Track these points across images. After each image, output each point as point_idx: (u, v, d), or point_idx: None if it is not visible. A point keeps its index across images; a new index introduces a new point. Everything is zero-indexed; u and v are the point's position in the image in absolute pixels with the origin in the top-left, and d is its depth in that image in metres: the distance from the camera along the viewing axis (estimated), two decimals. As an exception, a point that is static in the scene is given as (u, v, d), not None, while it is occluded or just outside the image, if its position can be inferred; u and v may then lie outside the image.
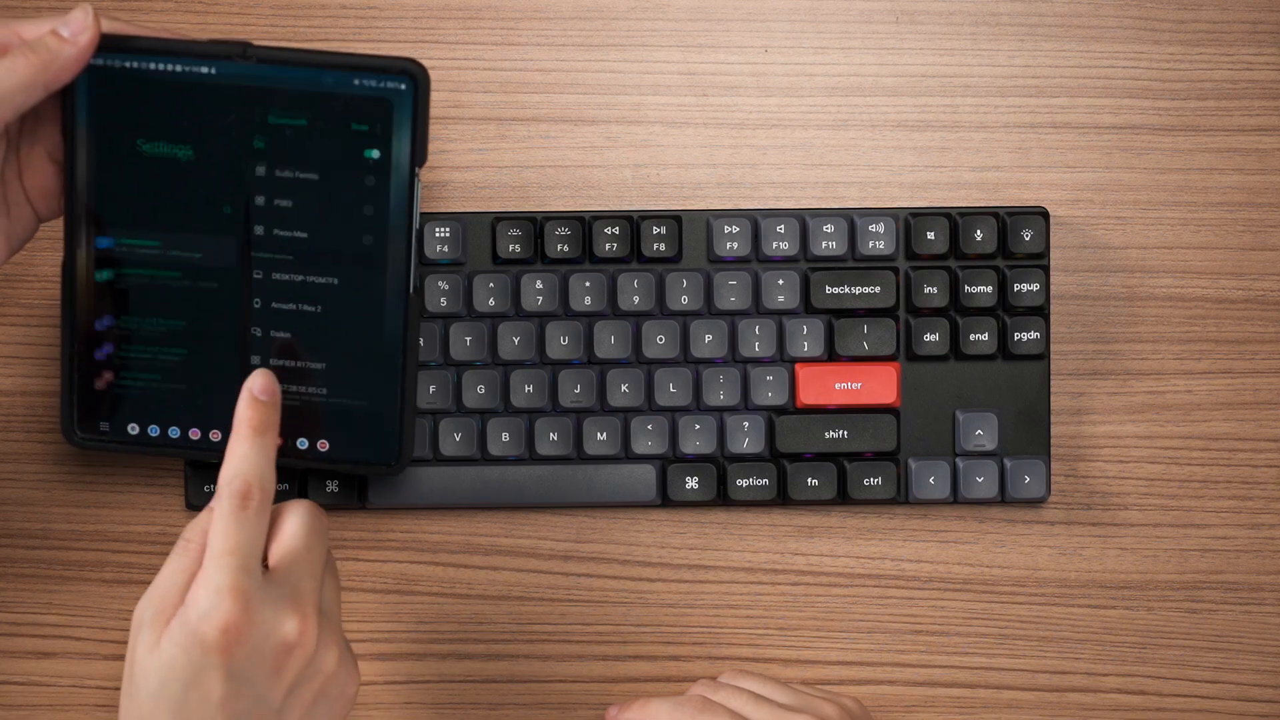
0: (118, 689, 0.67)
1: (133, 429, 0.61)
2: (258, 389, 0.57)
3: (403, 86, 0.57)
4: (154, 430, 0.61)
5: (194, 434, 0.61)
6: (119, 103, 0.57)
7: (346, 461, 0.61)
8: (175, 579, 0.57)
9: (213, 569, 0.55)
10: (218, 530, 0.56)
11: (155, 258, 0.59)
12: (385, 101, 0.57)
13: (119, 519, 0.68)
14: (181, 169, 0.58)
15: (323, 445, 0.61)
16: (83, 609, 0.67)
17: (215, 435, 0.60)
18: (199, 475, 0.66)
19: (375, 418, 0.60)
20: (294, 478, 0.66)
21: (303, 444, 0.61)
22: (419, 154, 0.58)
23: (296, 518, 0.58)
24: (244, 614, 0.54)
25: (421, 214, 0.66)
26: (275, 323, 0.59)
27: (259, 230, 0.58)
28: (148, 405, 0.60)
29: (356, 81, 0.57)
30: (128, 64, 0.57)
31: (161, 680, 0.55)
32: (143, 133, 0.58)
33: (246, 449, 0.57)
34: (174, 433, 0.61)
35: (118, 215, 0.58)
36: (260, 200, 0.58)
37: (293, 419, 0.60)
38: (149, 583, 0.67)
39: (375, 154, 0.58)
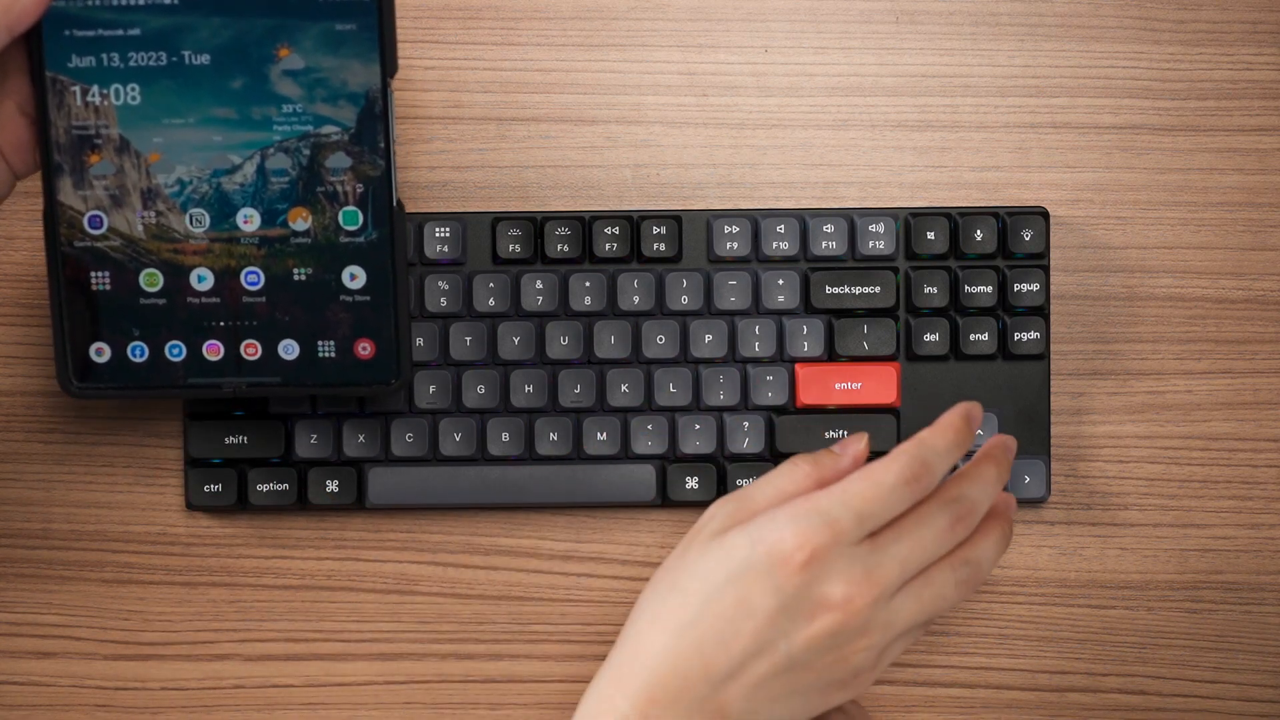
0: (118, 689, 0.67)
1: (127, 367, 0.60)
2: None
3: None
4: (150, 363, 0.60)
5: (189, 356, 0.60)
6: (85, 42, 0.57)
7: (347, 384, 0.61)
8: (766, 492, 0.58)
9: (832, 499, 0.56)
10: (869, 478, 0.56)
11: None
12: (351, 14, 0.57)
13: (119, 519, 0.68)
14: (154, 101, 0.58)
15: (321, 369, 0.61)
16: (83, 609, 0.67)
17: (212, 351, 0.60)
18: (198, 475, 0.66)
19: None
20: (293, 478, 0.66)
21: (300, 369, 0.61)
22: (389, 63, 0.58)
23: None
24: (827, 548, 0.55)
25: (422, 214, 0.66)
26: (261, 245, 0.59)
27: (235, 158, 0.59)
28: (141, 339, 0.60)
29: None
30: (90, 2, 0.57)
31: (714, 562, 0.56)
32: (111, 70, 0.58)
33: (948, 443, 0.58)
34: (174, 351, 0.60)
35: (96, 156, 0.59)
36: (235, 125, 0.58)
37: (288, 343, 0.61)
38: (149, 583, 0.67)
39: (346, 68, 0.58)
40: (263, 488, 0.66)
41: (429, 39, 0.68)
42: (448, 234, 0.66)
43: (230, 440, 0.66)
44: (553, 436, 0.66)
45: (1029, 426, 0.66)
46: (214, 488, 0.66)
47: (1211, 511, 0.68)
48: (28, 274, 0.67)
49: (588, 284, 0.66)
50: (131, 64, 0.58)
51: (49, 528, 0.67)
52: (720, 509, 0.58)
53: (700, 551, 0.57)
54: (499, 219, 0.66)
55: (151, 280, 0.60)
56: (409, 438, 0.66)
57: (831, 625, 0.55)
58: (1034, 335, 0.66)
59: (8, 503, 0.67)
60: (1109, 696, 0.68)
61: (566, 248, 0.66)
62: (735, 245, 0.66)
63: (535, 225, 0.66)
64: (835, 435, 0.66)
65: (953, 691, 0.68)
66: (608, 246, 0.66)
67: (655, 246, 0.66)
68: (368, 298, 0.60)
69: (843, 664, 0.57)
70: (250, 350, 0.60)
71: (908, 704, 0.68)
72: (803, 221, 0.66)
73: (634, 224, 0.66)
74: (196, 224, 0.59)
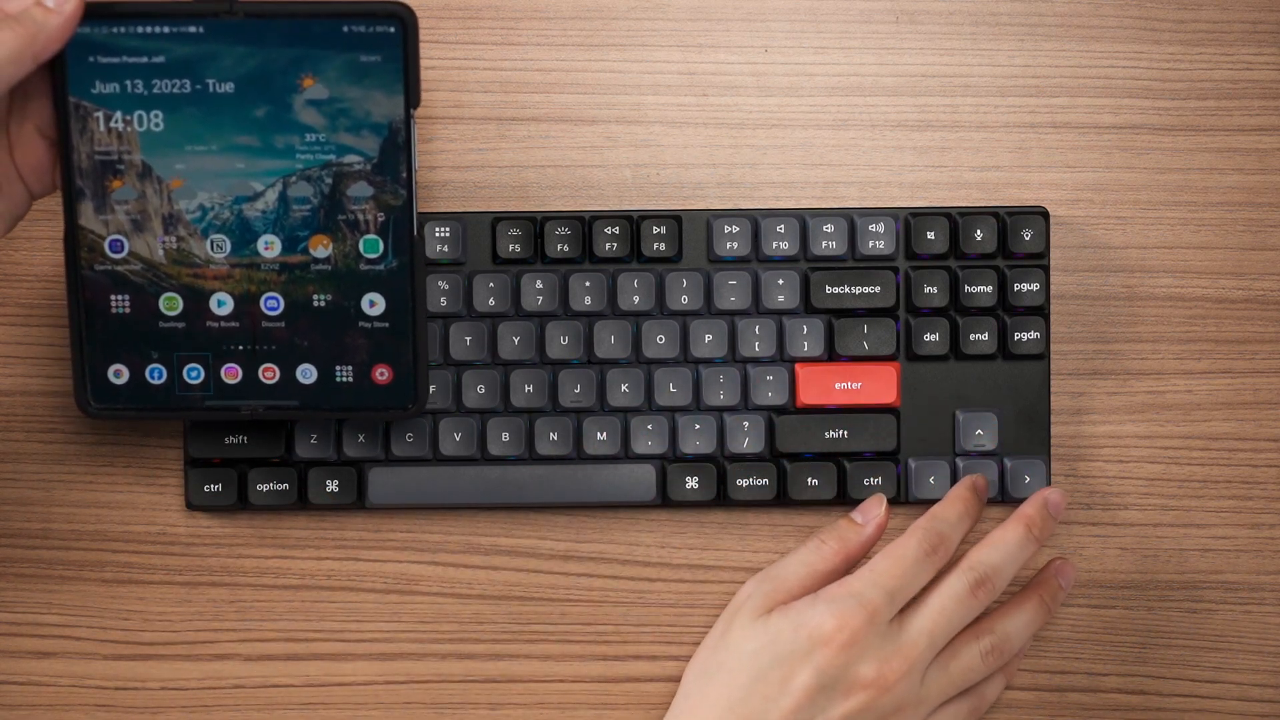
0: (118, 689, 0.67)
1: (145, 389, 0.60)
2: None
3: (392, 29, 0.58)
4: (167, 385, 0.60)
5: (207, 379, 0.60)
6: (109, 69, 0.58)
7: (365, 409, 0.61)
8: (798, 570, 0.63)
9: (865, 581, 0.61)
10: (893, 556, 0.61)
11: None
12: (376, 45, 0.58)
13: (119, 519, 0.68)
14: (177, 128, 0.58)
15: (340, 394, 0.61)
16: (83, 609, 0.67)
17: (230, 374, 0.60)
18: (198, 475, 0.66)
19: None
20: (293, 478, 0.66)
21: (318, 393, 0.61)
22: (413, 96, 0.58)
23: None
24: (863, 628, 0.60)
25: (422, 214, 0.66)
26: (281, 271, 0.60)
27: (258, 185, 0.59)
28: (159, 361, 0.60)
29: (345, 28, 0.57)
30: (115, 29, 0.57)
31: (758, 646, 0.61)
32: (135, 96, 0.58)
33: (958, 513, 0.63)
34: (192, 374, 0.60)
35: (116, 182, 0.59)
36: (258, 153, 0.58)
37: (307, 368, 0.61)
38: (149, 583, 0.67)
39: (370, 99, 0.58)
40: (263, 488, 0.66)
41: (429, 39, 0.68)
42: (448, 234, 0.66)
43: (230, 440, 0.66)
44: (553, 436, 0.66)
45: (1029, 426, 0.66)
46: (214, 488, 0.66)
47: (1211, 511, 0.68)
48: (28, 274, 0.67)
49: (588, 284, 0.66)
50: (155, 91, 0.58)
51: (49, 528, 0.67)
52: (756, 587, 0.63)
53: (744, 633, 0.62)
54: (499, 219, 0.66)
55: (171, 304, 0.60)
56: (409, 438, 0.66)
57: (865, 702, 0.60)
58: (1034, 335, 0.66)
59: (8, 503, 0.67)
60: (1109, 696, 0.68)
61: (566, 248, 0.66)
62: (735, 245, 0.66)
63: (535, 225, 0.66)
64: (835, 435, 0.66)
65: (953, 691, 0.68)
66: (608, 246, 0.66)
67: (655, 246, 0.66)
68: (386, 324, 0.60)
69: None
70: (268, 374, 0.61)
71: (908, 704, 0.68)
72: (803, 221, 0.66)
73: (634, 224, 0.66)
74: (217, 249, 0.59)
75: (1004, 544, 0.63)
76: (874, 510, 0.65)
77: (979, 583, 0.62)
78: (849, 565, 0.64)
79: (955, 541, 0.63)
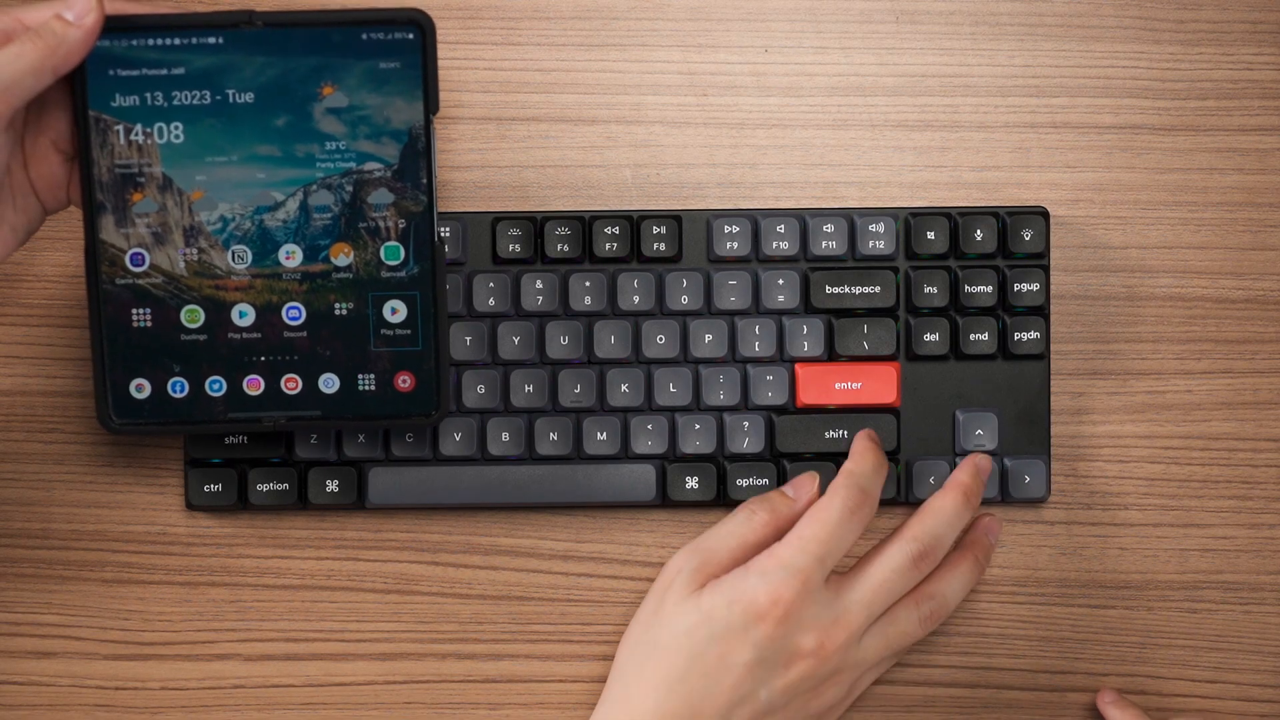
0: (118, 689, 0.67)
1: (168, 402, 0.60)
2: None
3: (410, 36, 0.58)
4: (191, 398, 0.60)
5: (230, 391, 0.60)
6: (129, 81, 0.58)
7: (387, 417, 0.61)
8: (727, 541, 0.62)
9: (793, 548, 0.60)
10: (817, 519, 0.61)
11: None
12: (395, 52, 0.58)
13: (119, 519, 0.68)
14: (197, 139, 0.58)
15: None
16: (83, 609, 0.67)
17: (253, 385, 0.61)
18: (198, 475, 0.66)
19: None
20: (293, 478, 0.66)
21: (340, 402, 0.61)
22: (432, 102, 0.59)
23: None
24: (798, 598, 0.59)
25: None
26: (303, 281, 0.60)
27: (279, 195, 0.59)
28: (181, 375, 0.60)
29: (364, 36, 0.58)
30: (134, 42, 0.57)
31: (691, 625, 0.60)
32: (155, 109, 0.58)
33: (872, 465, 0.62)
34: (214, 387, 0.60)
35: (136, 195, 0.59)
36: (279, 163, 0.58)
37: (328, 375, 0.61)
38: (149, 583, 0.67)
39: (389, 105, 0.58)
40: (263, 488, 0.66)
41: (429, 39, 0.68)
42: (448, 234, 0.66)
43: (230, 440, 0.66)
44: (553, 436, 0.66)
45: (1029, 426, 0.66)
46: (214, 488, 0.66)
47: (1211, 511, 0.68)
48: (29, 274, 0.67)
49: (588, 284, 0.66)
50: (175, 103, 0.58)
51: (49, 528, 0.67)
52: (686, 562, 0.62)
53: (676, 610, 0.61)
54: (499, 219, 0.66)
55: (193, 316, 0.60)
56: (409, 438, 0.66)
57: (806, 671, 0.60)
58: (1034, 335, 0.66)
59: (8, 503, 0.67)
60: (1109, 696, 0.68)
61: (566, 248, 0.66)
62: (735, 245, 0.66)
63: (535, 225, 0.66)
64: (835, 435, 0.66)
65: (953, 691, 0.68)
66: (608, 246, 0.66)
67: (655, 246, 0.66)
68: (408, 331, 0.60)
69: (817, 699, 0.61)
70: (290, 384, 0.61)
71: (908, 704, 0.68)
72: (803, 221, 0.66)
73: (634, 224, 0.66)
74: (239, 260, 0.60)
75: (943, 512, 0.63)
76: (807, 486, 0.64)
77: (922, 555, 0.62)
78: (778, 537, 0.63)
79: (877, 494, 0.62)
